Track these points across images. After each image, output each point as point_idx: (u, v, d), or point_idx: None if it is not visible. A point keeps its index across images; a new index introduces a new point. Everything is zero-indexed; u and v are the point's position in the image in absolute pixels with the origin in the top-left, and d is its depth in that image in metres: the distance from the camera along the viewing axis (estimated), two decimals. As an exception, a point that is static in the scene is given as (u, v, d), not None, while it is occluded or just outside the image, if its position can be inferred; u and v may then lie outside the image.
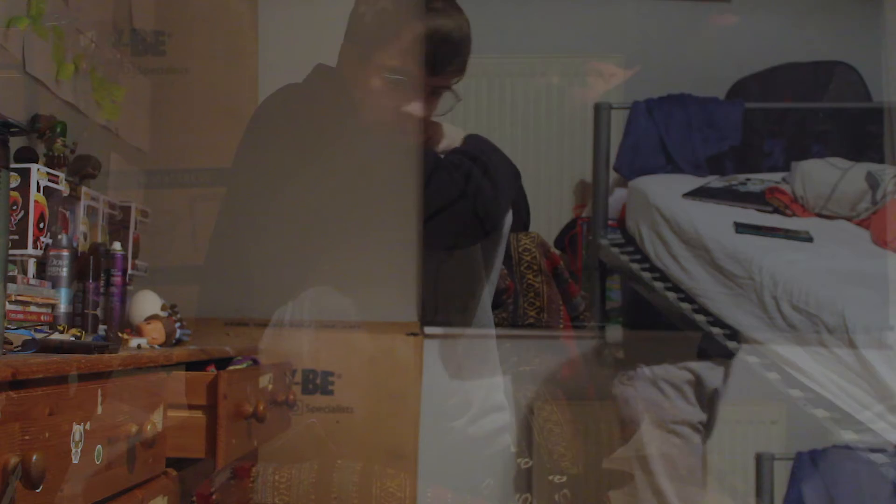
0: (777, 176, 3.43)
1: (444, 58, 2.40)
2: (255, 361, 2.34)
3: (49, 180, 1.98)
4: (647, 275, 3.33)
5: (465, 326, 2.45)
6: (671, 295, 3.25)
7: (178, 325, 2.21)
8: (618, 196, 3.50)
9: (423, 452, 2.53)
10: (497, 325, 2.89)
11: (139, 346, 2.02)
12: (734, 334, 3.07)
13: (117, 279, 2.26)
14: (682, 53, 3.61)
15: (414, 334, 2.48)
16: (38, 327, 1.86)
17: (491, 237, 2.43)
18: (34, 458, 1.22)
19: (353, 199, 2.37)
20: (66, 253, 2.06)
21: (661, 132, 3.49)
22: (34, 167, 1.95)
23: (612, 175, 3.50)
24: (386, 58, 2.40)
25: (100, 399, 1.50)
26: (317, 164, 2.39)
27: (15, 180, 1.91)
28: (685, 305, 3.21)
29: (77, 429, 1.41)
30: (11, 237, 1.87)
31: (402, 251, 2.39)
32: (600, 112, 3.46)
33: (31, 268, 1.98)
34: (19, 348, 1.60)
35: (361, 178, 2.31)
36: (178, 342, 2.23)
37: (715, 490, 3.02)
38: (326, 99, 2.50)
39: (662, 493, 2.84)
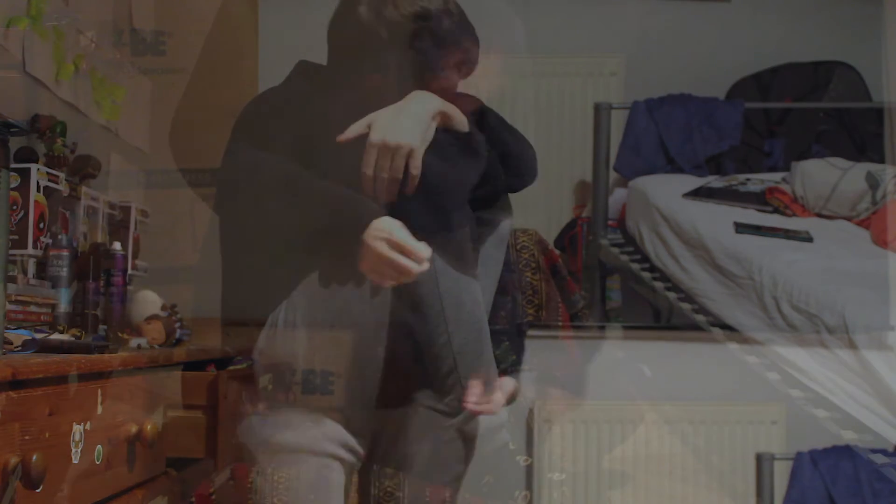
0: (777, 176, 3.43)
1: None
2: (256, 361, 2.34)
3: (49, 180, 1.99)
4: (647, 275, 3.33)
5: None
6: (671, 295, 3.25)
7: (178, 324, 2.21)
8: (618, 196, 3.50)
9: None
10: (495, 323, 2.88)
11: (139, 346, 2.02)
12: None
13: (117, 279, 2.26)
14: (682, 53, 3.61)
15: (414, 334, 2.48)
16: (38, 327, 1.86)
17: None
18: (34, 458, 1.22)
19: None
20: (66, 253, 2.06)
21: (661, 132, 3.49)
22: (34, 167, 1.95)
23: (612, 175, 3.49)
24: None
25: (100, 399, 1.50)
26: (315, 161, 2.38)
27: (15, 180, 1.91)
28: (685, 305, 3.21)
29: (77, 429, 1.41)
30: (11, 237, 1.87)
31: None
32: (600, 112, 3.46)
33: (31, 268, 1.99)
34: (19, 348, 1.60)
35: (359, 176, 2.31)
36: (178, 342, 2.23)
37: (715, 490, 3.02)
38: (316, 97, 2.48)
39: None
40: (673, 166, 3.49)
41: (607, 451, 2.99)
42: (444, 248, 2.33)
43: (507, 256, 2.61)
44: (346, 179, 2.29)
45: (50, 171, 2.00)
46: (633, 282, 3.39)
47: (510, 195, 2.50)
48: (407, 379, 2.22)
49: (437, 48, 2.43)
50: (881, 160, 3.38)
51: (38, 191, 1.95)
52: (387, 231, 2.05)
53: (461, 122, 2.32)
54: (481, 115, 2.36)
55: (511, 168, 2.38)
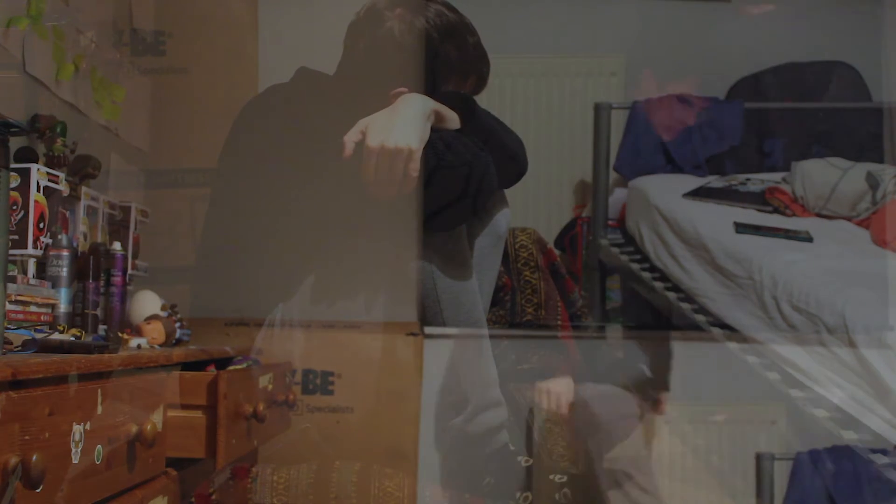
0: (777, 176, 3.43)
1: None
2: (256, 361, 2.34)
3: (49, 180, 1.98)
4: (647, 275, 3.33)
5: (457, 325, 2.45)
6: (671, 295, 3.25)
7: (178, 325, 2.21)
8: (618, 196, 3.50)
9: (424, 452, 2.53)
10: (495, 322, 2.88)
11: (139, 346, 2.03)
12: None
13: (117, 279, 2.26)
14: (682, 53, 3.61)
15: (414, 334, 2.48)
16: (38, 327, 1.86)
17: (479, 216, 2.41)
18: (34, 458, 1.22)
19: (352, 198, 2.36)
20: (66, 253, 2.06)
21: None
22: (34, 167, 1.95)
23: (612, 175, 3.50)
24: None
25: (100, 399, 1.50)
26: (314, 162, 2.39)
27: (15, 180, 1.91)
28: (685, 305, 3.21)
29: (77, 429, 1.41)
30: (11, 237, 1.87)
31: (401, 250, 2.39)
32: (600, 112, 3.46)
33: (31, 268, 1.98)
34: (19, 348, 1.60)
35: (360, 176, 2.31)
36: (178, 342, 2.24)
37: (715, 490, 3.02)
38: (315, 101, 2.49)
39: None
40: (673, 166, 3.49)
41: (607, 452, 2.99)
42: (441, 248, 2.34)
43: (506, 253, 2.61)
44: (352, 165, 2.29)
45: (50, 171, 2.00)
46: (633, 282, 3.39)
47: (506, 191, 2.51)
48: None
49: (462, 61, 2.45)
50: (881, 160, 3.38)
51: (38, 191, 1.95)
52: None
53: (453, 120, 2.33)
54: (472, 112, 2.37)
55: (503, 163, 2.39)
